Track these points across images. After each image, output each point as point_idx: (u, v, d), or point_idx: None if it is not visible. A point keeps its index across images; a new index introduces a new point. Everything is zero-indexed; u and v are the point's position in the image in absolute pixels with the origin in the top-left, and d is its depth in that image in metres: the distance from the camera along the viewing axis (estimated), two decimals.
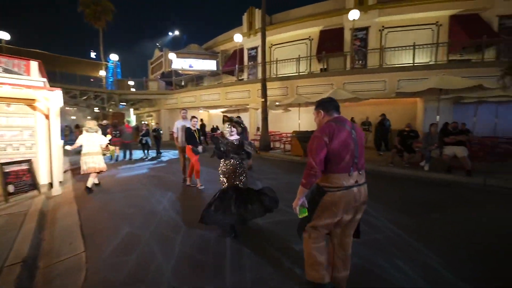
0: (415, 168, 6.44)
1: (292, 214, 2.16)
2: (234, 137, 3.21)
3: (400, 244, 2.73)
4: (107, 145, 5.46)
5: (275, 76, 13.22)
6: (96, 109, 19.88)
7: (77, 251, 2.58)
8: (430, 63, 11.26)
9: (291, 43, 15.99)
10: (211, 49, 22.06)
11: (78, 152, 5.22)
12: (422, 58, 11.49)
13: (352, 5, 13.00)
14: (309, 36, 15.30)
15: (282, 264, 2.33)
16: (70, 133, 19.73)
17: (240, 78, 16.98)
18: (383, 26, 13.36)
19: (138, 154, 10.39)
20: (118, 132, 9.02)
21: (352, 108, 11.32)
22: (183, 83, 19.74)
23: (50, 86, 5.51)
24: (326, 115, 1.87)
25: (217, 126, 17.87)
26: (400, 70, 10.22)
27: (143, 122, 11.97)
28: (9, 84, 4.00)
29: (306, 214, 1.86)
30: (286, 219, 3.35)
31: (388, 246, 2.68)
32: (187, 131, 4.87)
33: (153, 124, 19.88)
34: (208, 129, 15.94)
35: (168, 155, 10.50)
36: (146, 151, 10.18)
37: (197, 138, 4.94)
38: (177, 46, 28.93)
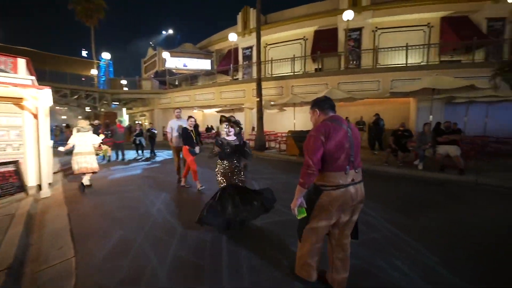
0: (410, 167, 6.51)
1: (289, 214, 2.14)
2: (232, 137, 3.20)
3: (398, 243, 2.72)
4: (100, 145, 5.35)
5: (270, 76, 13.20)
6: (87, 109, 19.47)
7: (67, 256, 2.47)
8: (422, 63, 11.44)
9: (286, 43, 16.01)
10: (206, 49, 21.90)
11: (70, 152, 5.08)
12: (415, 58, 11.67)
13: (346, 6, 13.10)
14: (304, 36, 15.35)
15: (280, 266, 2.28)
16: (60, 133, 19.28)
17: (234, 77, 16.90)
18: (376, 27, 13.52)
19: (131, 154, 10.20)
20: (109, 132, 8.83)
21: (346, 108, 11.40)
22: (177, 83, 19.53)
23: (39, 84, 5.34)
24: (322, 114, 1.87)
25: (211, 126, 17.77)
26: (394, 70, 10.34)
27: (136, 122, 11.74)
28: None
29: (305, 214, 1.84)
30: (284, 220, 3.31)
31: (386, 246, 2.67)
32: (184, 131, 4.77)
33: (146, 124, 19.60)
34: (202, 129, 15.80)
35: (162, 155, 10.34)
36: (140, 152, 10.00)
37: (194, 138, 4.85)
38: (171, 45, 28.65)
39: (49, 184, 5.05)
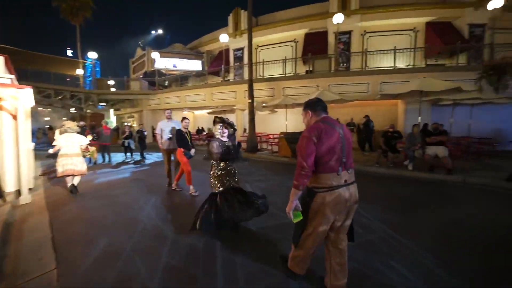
0: (400, 167, 6.62)
1: (284, 218, 2.09)
2: (225, 138, 3.16)
3: (395, 245, 2.71)
4: (87, 146, 5.14)
5: (261, 77, 13.18)
6: (72, 110, 18.75)
7: (48, 268, 2.28)
8: (409, 66, 11.77)
9: (276, 45, 16.07)
10: (196, 49, 21.65)
11: (55, 155, 4.84)
12: (402, 62, 11.98)
13: (335, 10, 13.33)
14: (295, 39, 15.46)
15: (277, 275, 2.19)
16: (43, 135, 18.47)
17: (226, 79, 16.78)
18: (364, 31, 13.82)
19: (118, 157, 9.87)
20: (95, 134, 8.51)
21: (336, 109, 11.52)
22: (166, 83, 19.17)
23: (20, 84, 5.05)
24: (314, 115, 1.88)
25: (202, 127, 17.54)
26: (382, 73, 10.57)
27: (126, 124, 11.33)
28: None
29: (301, 218, 1.80)
30: (279, 223, 3.24)
31: (383, 247, 2.65)
32: (178, 133, 4.60)
33: (134, 125, 19.11)
34: (192, 130, 15.55)
35: (152, 157, 10.06)
36: (129, 154, 9.67)
37: (189, 140, 4.69)
38: (161, 45, 28.18)
39: (30, 189, 4.77)
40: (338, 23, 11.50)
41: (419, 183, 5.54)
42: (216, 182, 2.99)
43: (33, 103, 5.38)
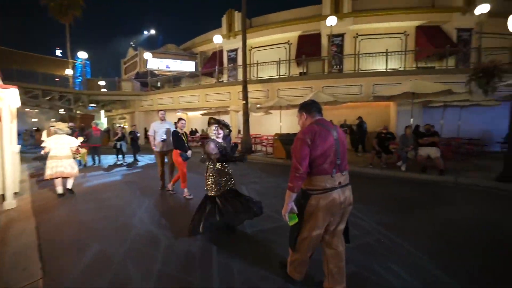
0: (393, 168, 6.70)
1: (280, 220, 2.06)
2: (220, 139, 3.12)
3: (392, 247, 2.70)
4: (77, 148, 4.98)
5: (255, 79, 13.16)
6: (61, 111, 18.22)
7: (33, 279, 2.15)
8: (400, 69, 12.00)
9: (270, 46, 16.11)
10: (189, 50, 21.48)
11: (44, 157, 4.68)
12: (394, 64, 12.20)
13: (328, 12, 13.48)
14: (288, 41, 15.54)
15: (275, 280, 2.13)
16: (30, 137, 17.89)
17: (219, 80, 16.68)
18: (357, 34, 14.02)
19: (109, 159, 9.62)
20: (84, 136, 8.28)
21: (330, 111, 11.62)
22: (159, 84, 18.91)
23: (5, 84, 4.84)
24: (309, 117, 1.88)
25: (195, 129, 17.37)
26: (375, 75, 10.72)
27: (118, 126, 11.03)
28: None
29: (297, 220, 1.78)
30: (276, 226, 3.18)
31: (381, 250, 2.64)
32: (175, 134, 4.49)
33: (126, 127, 18.74)
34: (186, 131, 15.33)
35: (144, 159, 9.86)
36: (120, 157, 9.43)
37: (186, 142, 4.57)
38: (153, 46, 27.83)
39: (15, 193, 4.57)
40: (331, 25, 11.61)
41: (412, 183, 5.61)
42: (212, 184, 2.94)
43: (19, 104, 5.18)
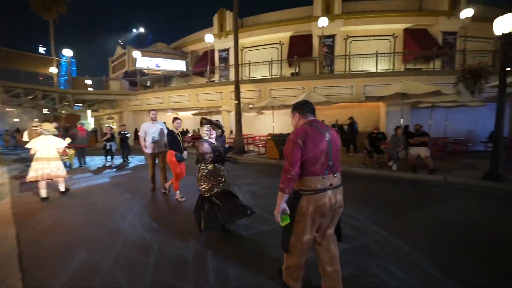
0: (384, 168, 6.79)
1: (274, 222, 2.02)
2: (213, 140, 3.07)
3: (389, 247, 2.70)
4: (64, 149, 4.77)
5: (247, 79, 13.09)
6: (45, 111, 17.49)
7: None
8: (389, 70, 12.26)
9: (262, 46, 16.08)
10: (180, 49, 21.12)
11: (24, 159, 4.44)
12: (383, 65, 12.44)
13: (319, 13, 13.59)
14: (280, 41, 15.56)
15: (273, 287, 2.07)
16: (11, 138, 17.07)
17: (211, 79, 16.50)
18: (347, 35, 14.22)
19: (96, 160, 9.29)
20: (69, 137, 7.95)
21: (321, 111, 11.70)
22: (148, 84, 18.50)
23: None
24: (302, 117, 1.87)
25: (187, 129, 17.08)
26: (365, 76, 10.88)
27: (107, 126, 10.62)
28: None
29: (289, 221, 1.77)
30: (272, 228, 3.12)
31: (378, 250, 2.63)
32: (170, 135, 4.33)
33: (114, 127, 18.21)
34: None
35: (133, 161, 9.58)
36: (109, 158, 9.12)
37: (181, 142, 4.42)
38: (142, 44, 27.24)
39: None
40: (322, 26, 11.71)
41: (404, 183, 5.70)
42: (206, 186, 2.88)
43: None
